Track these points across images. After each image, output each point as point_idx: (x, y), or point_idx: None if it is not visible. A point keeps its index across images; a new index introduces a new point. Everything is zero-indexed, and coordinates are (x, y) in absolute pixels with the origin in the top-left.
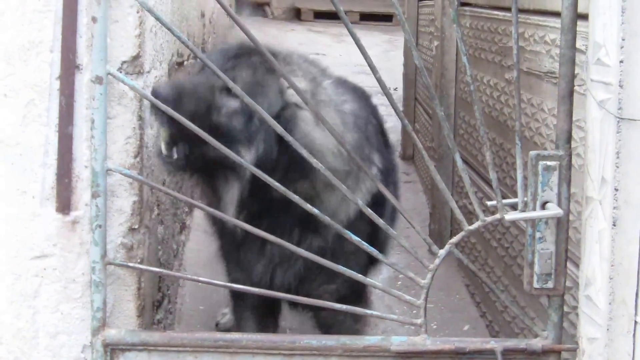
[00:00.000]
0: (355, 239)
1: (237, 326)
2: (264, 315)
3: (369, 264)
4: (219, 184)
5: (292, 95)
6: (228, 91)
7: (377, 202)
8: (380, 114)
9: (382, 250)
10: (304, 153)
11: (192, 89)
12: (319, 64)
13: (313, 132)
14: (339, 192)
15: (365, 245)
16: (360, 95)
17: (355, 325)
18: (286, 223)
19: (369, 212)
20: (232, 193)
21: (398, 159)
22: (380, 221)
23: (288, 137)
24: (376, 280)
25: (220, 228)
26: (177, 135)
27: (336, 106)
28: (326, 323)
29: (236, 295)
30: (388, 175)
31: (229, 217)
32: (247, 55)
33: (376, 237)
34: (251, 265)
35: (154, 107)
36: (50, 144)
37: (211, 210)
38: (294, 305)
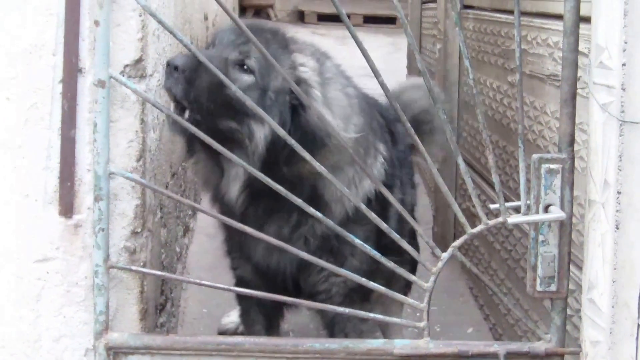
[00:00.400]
0: (358, 242)
1: (245, 325)
2: (271, 312)
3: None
4: (223, 159)
5: (303, 72)
6: (241, 66)
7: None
8: (389, 112)
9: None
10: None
11: (204, 67)
12: (320, 46)
13: (323, 111)
14: (349, 171)
15: (368, 249)
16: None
17: (361, 324)
18: (287, 203)
19: (372, 216)
20: (237, 169)
21: None
22: (383, 225)
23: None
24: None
25: (222, 212)
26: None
27: (342, 87)
28: (332, 321)
29: (241, 296)
30: (394, 167)
31: (233, 197)
32: (260, 31)
33: (387, 218)
34: (251, 249)
35: (168, 75)
36: (52, 148)
37: (214, 214)
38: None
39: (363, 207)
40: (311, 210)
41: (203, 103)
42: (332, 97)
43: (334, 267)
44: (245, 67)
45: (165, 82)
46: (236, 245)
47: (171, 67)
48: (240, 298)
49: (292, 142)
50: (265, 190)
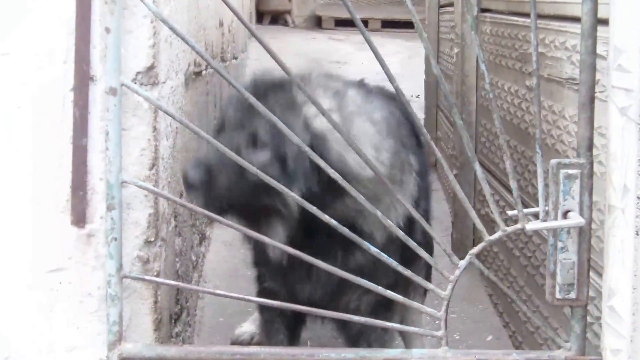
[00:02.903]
0: (389, 260)
1: (267, 336)
2: (294, 323)
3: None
4: (261, 226)
5: (317, 126)
6: (254, 144)
7: (415, 205)
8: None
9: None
10: (345, 185)
11: (219, 163)
12: (338, 76)
13: (347, 153)
14: (381, 203)
15: (396, 265)
16: (388, 95)
17: (384, 334)
18: (328, 247)
19: (400, 234)
20: (276, 232)
21: None
22: (411, 242)
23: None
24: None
25: (269, 270)
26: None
27: (368, 115)
28: (355, 333)
29: (263, 306)
30: (423, 177)
31: (277, 259)
32: (264, 96)
33: (413, 231)
34: (296, 288)
35: (187, 190)
36: (64, 156)
37: (230, 223)
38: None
39: (401, 233)
40: (366, 244)
41: (230, 199)
42: (358, 132)
43: (376, 287)
44: (258, 143)
45: (187, 196)
46: (263, 258)
47: (187, 183)
48: (263, 309)
49: (313, 208)
50: (307, 243)
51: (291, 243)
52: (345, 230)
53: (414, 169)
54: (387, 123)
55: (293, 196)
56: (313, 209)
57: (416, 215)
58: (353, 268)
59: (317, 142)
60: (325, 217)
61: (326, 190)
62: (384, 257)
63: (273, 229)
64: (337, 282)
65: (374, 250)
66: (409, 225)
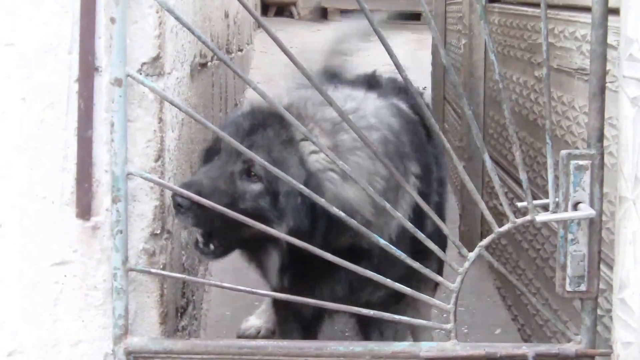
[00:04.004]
0: (398, 252)
1: (282, 334)
2: (309, 322)
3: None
4: (259, 253)
5: (314, 162)
6: (248, 174)
7: (426, 200)
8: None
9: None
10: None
11: (211, 188)
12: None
13: (343, 191)
14: (380, 220)
15: (405, 257)
16: (396, 89)
17: (396, 324)
18: (334, 269)
19: (410, 226)
20: (273, 260)
21: None
22: (420, 235)
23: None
24: None
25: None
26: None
27: (364, 145)
28: (369, 323)
29: (278, 305)
30: (430, 171)
31: (275, 284)
32: (261, 128)
33: (424, 227)
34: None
35: (177, 210)
36: (69, 148)
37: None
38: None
39: (409, 225)
40: (375, 237)
41: (220, 224)
42: (353, 168)
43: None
44: (252, 173)
45: (176, 217)
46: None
47: (176, 204)
48: (277, 307)
49: (299, 242)
50: (308, 269)
51: (289, 277)
52: (353, 222)
53: (412, 175)
54: (384, 143)
55: (280, 235)
56: (299, 243)
57: (410, 226)
58: (359, 278)
59: (312, 181)
60: (315, 250)
61: (327, 227)
62: (393, 249)
63: (268, 255)
64: (342, 296)
65: (382, 242)
66: (418, 221)
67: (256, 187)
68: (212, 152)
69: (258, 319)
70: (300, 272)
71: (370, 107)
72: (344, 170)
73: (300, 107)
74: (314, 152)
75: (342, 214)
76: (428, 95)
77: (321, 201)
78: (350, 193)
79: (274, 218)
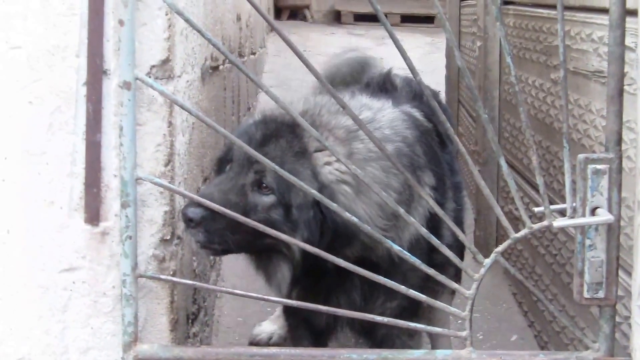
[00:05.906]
0: (412, 259)
1: (293, 341)
2: (320, 332)
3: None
4: (268, 264)
5: (327, 174)
6: (259, 186)
7: (442, 207)
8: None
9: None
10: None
11: (222, 201)
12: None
13: (355, 205)
14: (391, 234)
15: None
16: (404, 97)
17: (409, 340)
18: (345, 275)
19: (425, 232)
20: (283, 272)
21: None
22: (435, 241)
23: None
24: None
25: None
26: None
27: (378, 157)
28: (381, 339)
29: (289, 313)
30: (444, 180)
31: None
32: (274, 139)
33: (441, 236)
34: (315, 316)
35: (187, 225)
36: (77, 153)
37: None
38: (351, 326)
39: (424, 231)
40: (389, 243)
41: (231, 238)
42: (369, 177)
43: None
44: (264, 185)
45: (186, 232)
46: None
47: (187, 219)
48: (288, 314)
49: (319, 252)
50: (319, 282)
51: (299, 290)
52: (366, 227)
53: (427, 186)
54: (397, 154)
55: (295, 242)
56: (317, 251)
57: (424, 232)
58: (370, 289)
59: (325, 193)
60: (333, 258)
61: (334, 238)
62: (407, 255)
63: (279, 268)
64: (353, 310)
65: (396, 248)
66: (433, 233)
67: (268, 199)
68: (224, 161)
69: (271, 324)
70: (310, 285)
71: (386, 118)
72: (358, 176)
73: (315, 114)
74: (327, 163)
75: (355, 219)
76: (442, 98)
77: (333, 206)
78: (362, 207)
79: (286, 230)
